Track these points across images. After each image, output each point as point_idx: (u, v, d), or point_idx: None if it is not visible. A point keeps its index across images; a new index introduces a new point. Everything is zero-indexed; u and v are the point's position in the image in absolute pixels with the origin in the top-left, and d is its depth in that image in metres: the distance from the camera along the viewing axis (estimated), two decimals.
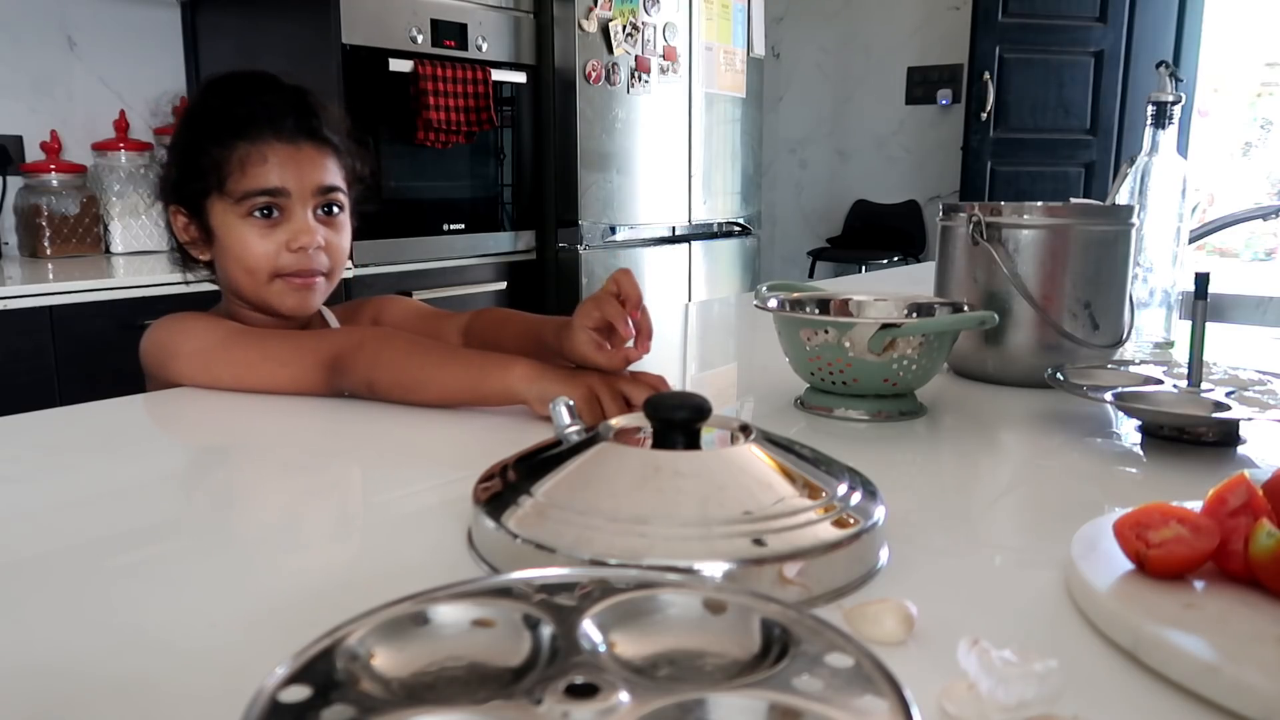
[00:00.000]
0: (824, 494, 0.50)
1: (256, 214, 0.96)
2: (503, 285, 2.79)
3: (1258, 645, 0.38)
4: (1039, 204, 0.93)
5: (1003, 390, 0.95)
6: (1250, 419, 0.71)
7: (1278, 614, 0.41)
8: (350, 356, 0.86)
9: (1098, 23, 3.84)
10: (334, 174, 1.00)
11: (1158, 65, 1.14)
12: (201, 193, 0.97)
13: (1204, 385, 0.79)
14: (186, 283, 1.09)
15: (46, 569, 0.52)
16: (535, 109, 2.85)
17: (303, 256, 0.97)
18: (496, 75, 2.63)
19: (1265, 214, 1.66)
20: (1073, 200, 1.06)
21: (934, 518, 0.60)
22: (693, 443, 0.52)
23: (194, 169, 0.97)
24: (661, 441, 0.52)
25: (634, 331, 0.82)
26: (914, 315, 0.89)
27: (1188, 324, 0.83)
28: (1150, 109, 1.13)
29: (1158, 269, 1.16)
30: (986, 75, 3.89)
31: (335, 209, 1.01)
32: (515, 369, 0.79)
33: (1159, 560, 0.44)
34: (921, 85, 4.45)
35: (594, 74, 2.83)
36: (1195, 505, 0.47)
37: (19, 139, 2.34)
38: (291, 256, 0.97)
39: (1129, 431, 0.80)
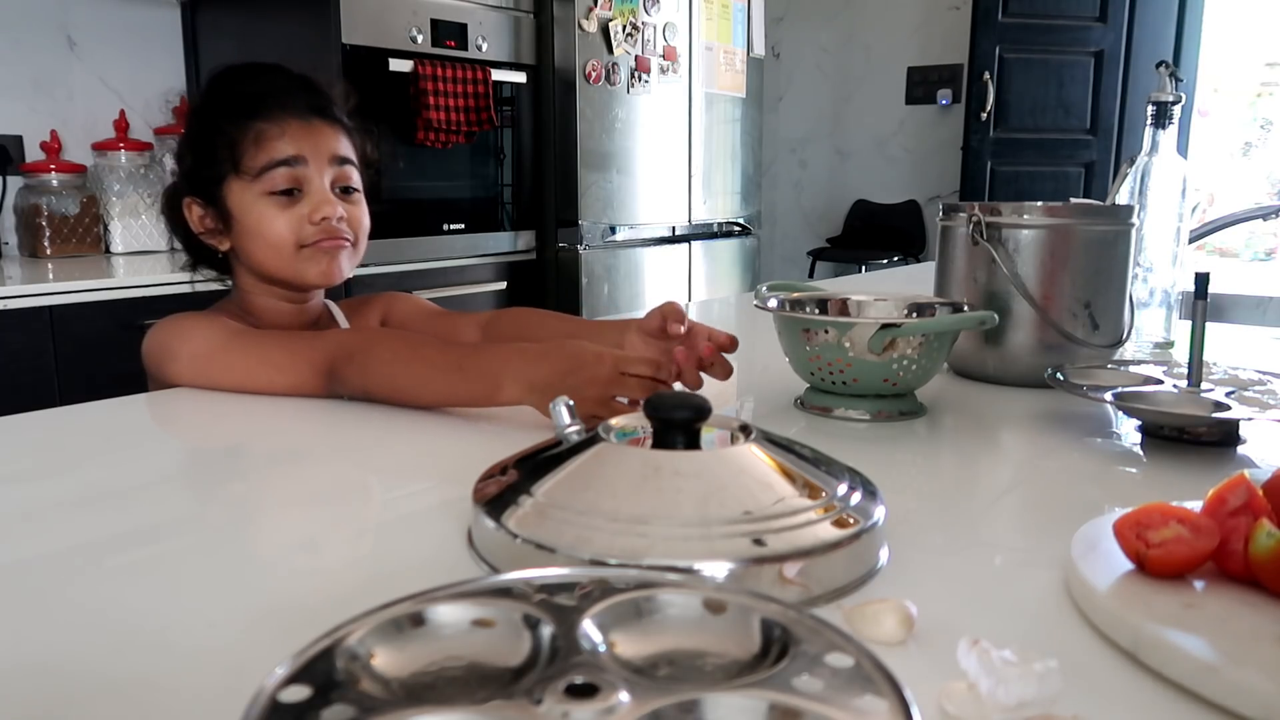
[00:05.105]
0: (824, 494, 0.50)
1: (277, 194, 0.97)
2: (503, 285, 2.79)
3: (1258, 645, 0.38)
4: (1039, 204, 0.93)
5: (1003, 390, 0.95)
6: (1250, 419, 0.71)
7: (1278, 614, 0.41)
8: (344, 364, 0.85)
9: (1098, 23, 3.84)
10: (347, 148, 1.02)
11: (1158, 65, 1.14)
12: (218, 178, 0.98)
13: (1204, 385, 0.79)
14: (192, 283, 1.09)
15: (47, 569, 0.52)
16: (535, 109, 2.85)
17: (326, 227, 0.98)
18: (496, 75, 2.63)
19: (1265, 214, 1.65)
20: (1073, 200, 1.06)
21: (934, 518, 0.60)
22: (693, 443, 0.52)
23: (209, 154, 0.98)
24: (661, 441, 0.52)
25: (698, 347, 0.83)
26: (914, 315, 0.89)
27: (1188, 324, 0.83)
28: (1150, 109, 1.13)
29: (1158, 269, 1.16)
30: (986, 75, 3.89)
31: (351, 190, 1.01)
32: (507, 384, 0.76)
33: (1159, 560, 0.44)
34: (921, 85, 4.44)
35: (594, 74, 2.83)
36: (1195, 505, 0.47)
37: (19, 139, 2.33)
38: (314, 229, 0.98)
39: (1129, 431, 0.80)
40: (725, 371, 0.81)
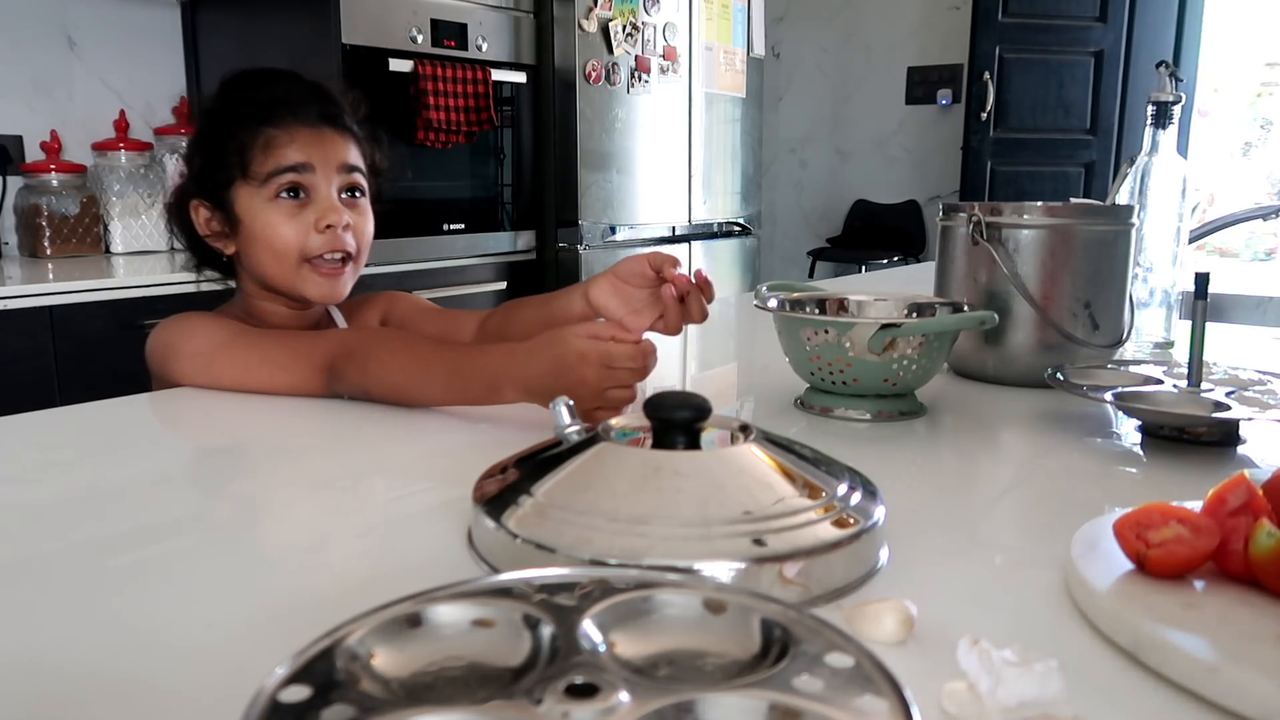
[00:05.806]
0: (824, 494, 0.50)
1: (283, 195, 0.97)
2: (503, 285, 2.79)
3: (1258, 645, 0.38)
4: (1039, 204, 0.93)
5: (1003, 390, 0.95)
6: (1250, 419, 0.71)
7: (1278, 614, 0.41)
8: (343, 363, 0.85)
9: (1098, 23, 3.84)
10: (356, 156, 1.02)
11: (1158, 65, 1.14)
12: (225, 182, 0.98)
13: (1204, 385, 0.79)
14: (197, 283, 1.09)
15: (46, 569, 0.52)
16: (535, 109, 2.85)
17: (331, 237, 0.98)
18: (496, 75, 2.63)
19: (1265, 214, 1.66)
20: (1073, 200, 1.06)
21: (934, 518, 0.60)
22: (693, 443, 0.52)
23: (218, 158, 0.98)
24: (661, 441, 0.52)
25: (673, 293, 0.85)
26: (914, 315, 0.89)
27: (1188, 324, 0.83)
28: (1150, 109, 1.13)
29: (1158, 269, 1.16)
30: (986, 75, 3.89)
31: (358, 193, 1.02)
32: (505, 387, 0.77)
33: (1159, 560, 0.44)
34: (921, 85, 4.44)
35: (594, 74, 2.83)
36: (1195, 505, 0.47)
37: (19, 139, 2.33)
38: (320, 238, 0.97)
39: (1129, 431, 0.80)
40: (701, 312, 0.85)
